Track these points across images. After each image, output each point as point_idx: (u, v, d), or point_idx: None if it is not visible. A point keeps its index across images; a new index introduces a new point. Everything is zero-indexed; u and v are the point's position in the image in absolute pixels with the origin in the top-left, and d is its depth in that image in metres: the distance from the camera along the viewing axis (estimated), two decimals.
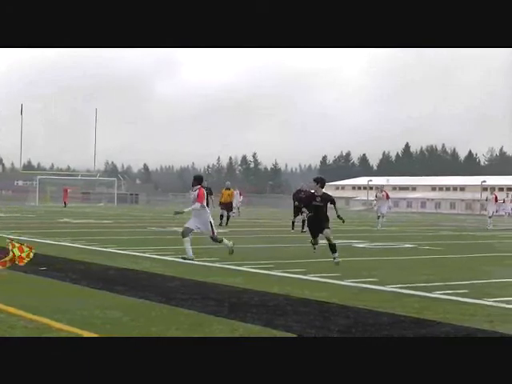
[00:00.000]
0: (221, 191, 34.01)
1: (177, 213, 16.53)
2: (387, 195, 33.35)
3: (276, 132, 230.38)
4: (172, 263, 14.94)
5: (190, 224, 15.57)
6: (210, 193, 27.62)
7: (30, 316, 8.27)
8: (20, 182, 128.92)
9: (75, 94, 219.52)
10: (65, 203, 62.38)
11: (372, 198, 59.66)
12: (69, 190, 66.74)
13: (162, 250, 17.38)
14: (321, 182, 15.67)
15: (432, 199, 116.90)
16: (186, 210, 16.00)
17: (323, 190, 15.73)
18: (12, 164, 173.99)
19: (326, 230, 15.24)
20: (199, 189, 15.70)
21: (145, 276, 12.55)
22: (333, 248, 15.10)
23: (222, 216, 31.78)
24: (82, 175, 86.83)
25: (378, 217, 32.47)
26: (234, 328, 7.83)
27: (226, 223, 31.32)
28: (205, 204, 15.71)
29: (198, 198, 15.55)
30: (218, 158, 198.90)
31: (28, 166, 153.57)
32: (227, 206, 32.56)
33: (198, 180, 16.11)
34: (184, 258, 15.22)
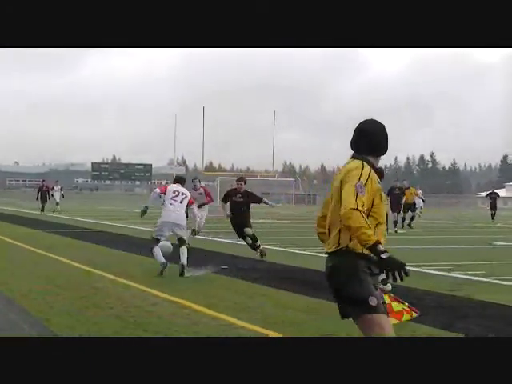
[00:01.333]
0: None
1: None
2: None
3: (453, 130, 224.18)
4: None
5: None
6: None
7: (212, 313, 8.59)
8: (203, 183, 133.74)
9: (254, 95, 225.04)
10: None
11: None
12: None
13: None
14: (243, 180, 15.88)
15: None
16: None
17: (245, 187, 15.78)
18: (194, 165, 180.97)
19: (247, 229, 15.39)
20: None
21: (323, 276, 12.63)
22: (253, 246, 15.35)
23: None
24: (260, 176, 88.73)
25: None
26: (412, 330, 7.74)
27: (409, 224, 29.41)
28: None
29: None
30: (396, 157, 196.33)
31: (209, 168, 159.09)
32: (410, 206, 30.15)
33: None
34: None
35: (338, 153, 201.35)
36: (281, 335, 7.43)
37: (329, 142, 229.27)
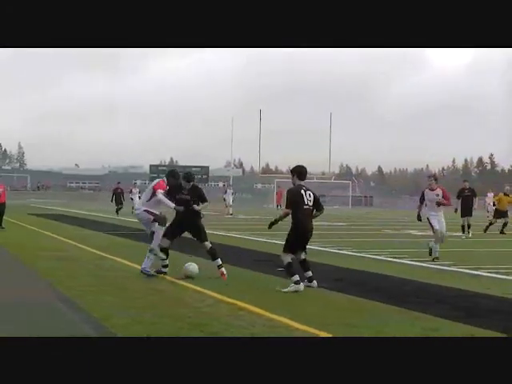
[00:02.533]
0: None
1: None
2: None
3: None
4: (407, 266, 14.85)
5: None
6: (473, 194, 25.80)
7: (269, 315, 8.64)
8: (259, 185, 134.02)
9: (309, 96, 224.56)
10: (278, 205, 64.39)
11: None
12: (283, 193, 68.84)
13: (397, 253, 17.30)
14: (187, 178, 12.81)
15: None
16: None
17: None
18: (251, 168, 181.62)
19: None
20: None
21: (378, 278, 12.61)
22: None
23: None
24: (316, 178, 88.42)
25: None
26: (471, 333, 7.67)
27: (501, 231, 26.99)
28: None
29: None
30: (453, 159, 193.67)
31: (266, 170, 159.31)
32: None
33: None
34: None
35: (394, 154, 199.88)
36: (330, 335, 7.44)
37: (385, 143, 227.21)
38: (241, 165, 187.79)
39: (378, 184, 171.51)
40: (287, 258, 11.22)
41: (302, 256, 11.54)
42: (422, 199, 16.61)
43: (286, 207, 11.42)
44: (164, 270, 12.53)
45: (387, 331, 7.75)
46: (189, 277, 11.96)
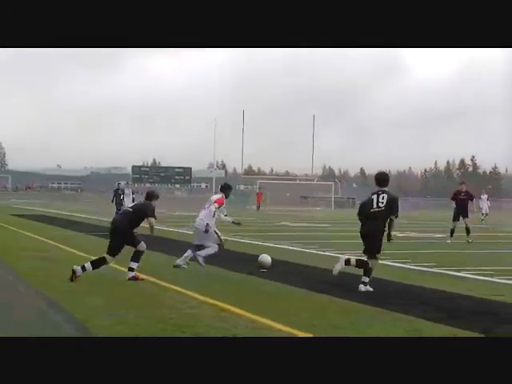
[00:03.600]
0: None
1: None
2: None
3: (495, 134, 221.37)
4: (389, 268, 14.89)
5: None
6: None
7: (251, 316, 8.64)
8: (241, 187, 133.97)
9: (292, 98, 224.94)
10: (258, 206, 65.36)
11: None
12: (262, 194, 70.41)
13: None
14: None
15: None
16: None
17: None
18: (234, 169, 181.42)
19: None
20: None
21: (360, 280, 12.63)
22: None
23: None
24: (300, 180, 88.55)
25: None
26: (453, 334, 7.70)
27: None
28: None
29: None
30: (435, 162, 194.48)
31: (249, 171, 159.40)
32: None
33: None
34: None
35: (377, 156, 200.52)
36: (311, 335, 7.45)
37: (368, 145, 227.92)
38: (223, 166, 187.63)
39: (361, 186, 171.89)
40: (374, 264, 11.67)
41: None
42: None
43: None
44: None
45: (370, 332, 7.77)
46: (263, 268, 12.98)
